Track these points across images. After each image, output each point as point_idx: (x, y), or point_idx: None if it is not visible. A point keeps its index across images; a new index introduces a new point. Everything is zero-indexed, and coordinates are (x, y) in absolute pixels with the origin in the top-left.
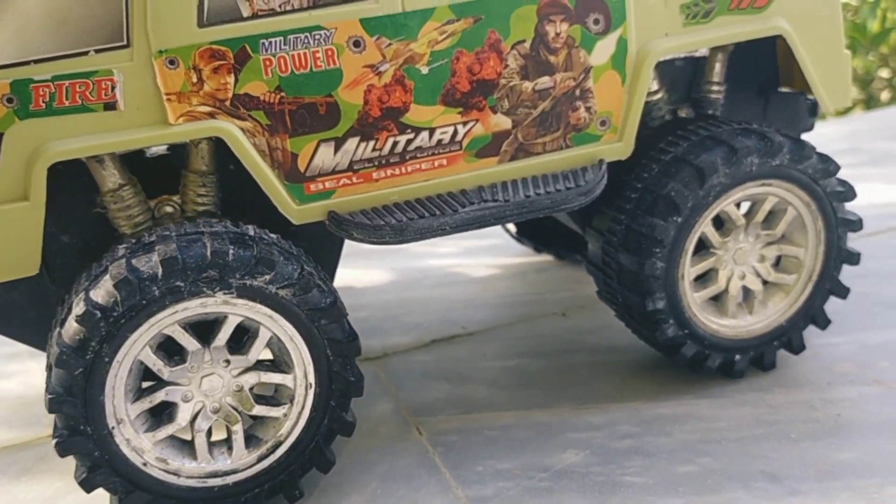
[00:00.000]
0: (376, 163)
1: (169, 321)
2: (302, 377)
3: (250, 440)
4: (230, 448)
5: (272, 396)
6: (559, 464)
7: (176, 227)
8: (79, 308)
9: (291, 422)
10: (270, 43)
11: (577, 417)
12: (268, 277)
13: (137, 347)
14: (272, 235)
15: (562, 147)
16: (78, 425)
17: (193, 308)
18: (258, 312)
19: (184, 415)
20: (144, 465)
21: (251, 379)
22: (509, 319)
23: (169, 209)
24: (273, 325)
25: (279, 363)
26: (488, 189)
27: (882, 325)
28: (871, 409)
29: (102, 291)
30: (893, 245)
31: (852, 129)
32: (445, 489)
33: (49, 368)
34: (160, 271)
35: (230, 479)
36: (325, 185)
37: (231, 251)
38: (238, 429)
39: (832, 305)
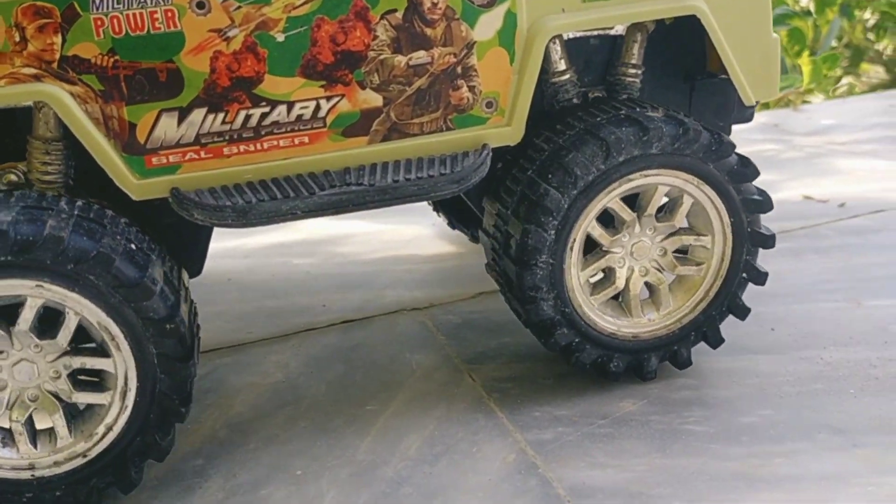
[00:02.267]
0: (227, 137)
1: None
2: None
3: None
4: (52, 437)
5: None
6: (618, 412)
7: None
8: None
9: (116, 410)
10: (102, 1)
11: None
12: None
13: None
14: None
15: (441, 129)
16: None
17: None
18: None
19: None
20: None
21: (66, 365)
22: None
23: (13, 177)
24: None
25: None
26: (354, 171)
27: None
28: None
29: None
30: None
31: (890, 104)
32: (504, 433)
33: None
34: None
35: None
36: (169, 160)
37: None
38: (58, 417)
39: (885, 270)
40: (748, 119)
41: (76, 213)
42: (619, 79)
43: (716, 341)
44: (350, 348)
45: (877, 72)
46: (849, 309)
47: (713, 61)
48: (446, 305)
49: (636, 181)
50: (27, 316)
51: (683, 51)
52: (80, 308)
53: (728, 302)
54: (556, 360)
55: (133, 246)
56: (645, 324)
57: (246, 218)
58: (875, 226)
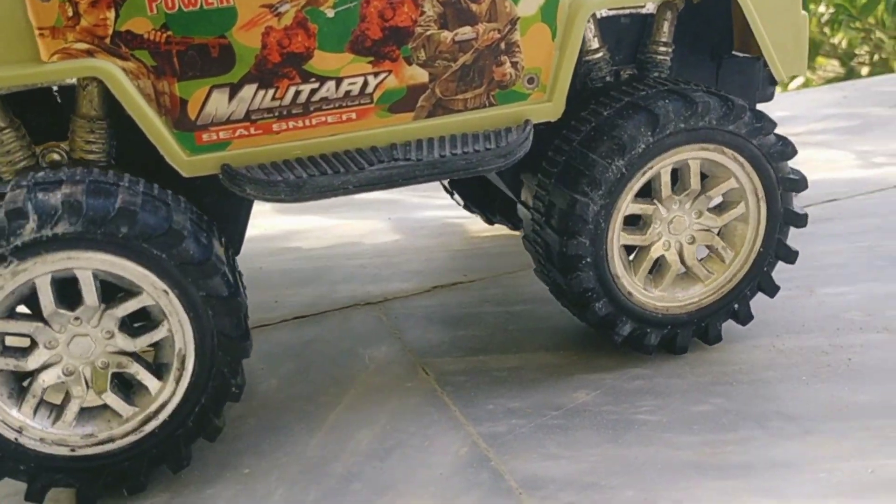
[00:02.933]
0: (277, 113)
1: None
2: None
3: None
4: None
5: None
6: (571, 403)
7: None
8: None
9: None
10: None
11: (586, 360)
12: (32, 226)
13: None
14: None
15: (485, 105)
16: None
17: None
18: (54, 261)
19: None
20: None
21: (112, 321)
22: (512, 268)
23: (56, 156)
24: (80, 262)
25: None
26: (401, 147)
27: (888, 277)
28: (881, 355)
29: None
30: (892, 202)
31: (843, 95)
32: (457, 426)
33: None
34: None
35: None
36: (220, 136)
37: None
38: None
39: (837, 258)
40: (769, 98)
41: (142, 189)
42: (650, 56)
43: (746, 317)
44: (302, 344)
45: (832, 65)
46: (802, 297)
47: (740, 40)
48: (401, 300)
49: (681, 155)
50: (87, 289)
51: (710, 29)
52: (116, 269)
53: (759, 279)
54: (510, 352)
55: (197, 224)
56: (679, 299)
57: (299, 192)
58: (827, 214)
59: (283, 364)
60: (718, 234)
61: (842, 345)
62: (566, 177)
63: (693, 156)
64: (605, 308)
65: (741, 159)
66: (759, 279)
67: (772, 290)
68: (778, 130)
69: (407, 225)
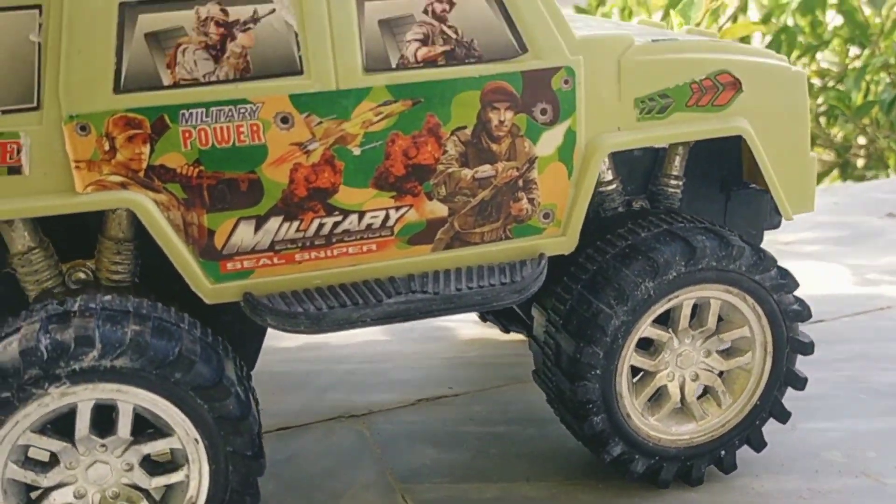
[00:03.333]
0: (300, 244)
1: (17, 434)
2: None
3: None
4: None
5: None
6: None
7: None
8: None
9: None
10: (191, 114)
11: (566, 494)
12: (94, 354)
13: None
14: (111, 300)
15: (501, 238)
16: None
17: (36, 412)
18: (104, 391)
19: None
20: None
21: (135, 455)
22: (496, 381)
23: (82, 275)
24: (126, 397)
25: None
26: (419, 279)
27: (869, 412)
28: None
29: None
30: (879, 326)
31: (834, 201)
32: None
33: None
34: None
35: None
36: (243, 265)
37: (44, 343)
38: None
39: (819, 388)
40: (777, 225)
41: (199, 335)
42: (661, 189)
43: (759, 445)
44: (285, 460)
45: (828, 155)
46: (783, 431)
47: (749, 172)
48: (385, 412)
49: (706, 292)
50: (123, 421)
51: (720, 162)
52: (157, 409)
53: (770, 406)
54: (491, 480)
55: (239, 376)
56: (672, 432)
57: (319, 325)
58: (813, 337)
59: (265, 484)
60: (720, 377)
61: (820, 490)
62: (594, 285)
63: (717, 295)
64: (602, 424)
65: (759, 310)
66: (749, 431)
67: (759, 445)
68: (767, 238)
69: (397, 327)
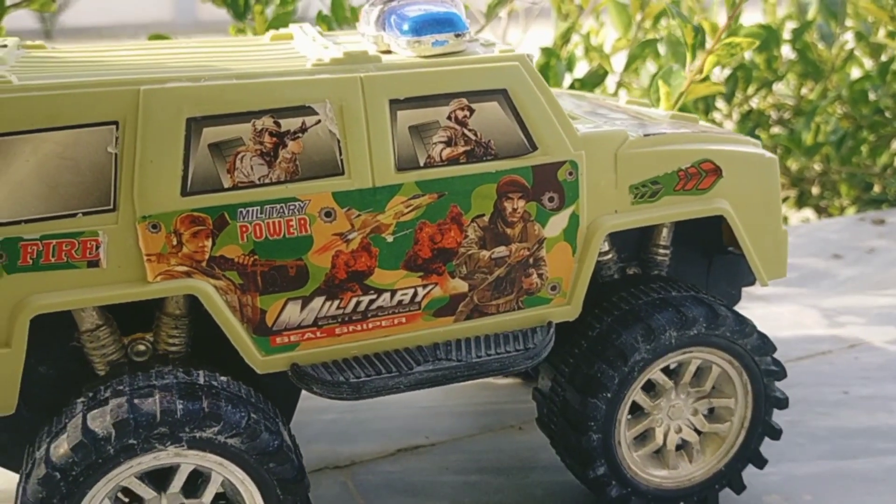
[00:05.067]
0: (339, 319)
1: (125, 475)
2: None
3: None
4: None
5: None
6: None
7: (130, 379)
8: (39, 470)
9: None
10: (248, 211)
11: None
12: (217, 429)
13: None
14: (221, 380)
15: (514, 308)
16: None
17: (147, 462)
18: (208, 461)
19: None
20: None
21: None
22: (470, 431)
23: (142, 347)
24: (223, 470)
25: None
26: (443, 347)
27: (807, 456)
28: None
29: (60, 452)
30: (819, 371)
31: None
32: None
33: None
34: (113, 433)
35: None
36: (290, 339)
37: (180, 406)
38: None
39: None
40: (752, 283)
41: (260, 405)
42: (651, 257)
43: (739, 488)
44: None
45: (784, 182)
46: None
47: (728, 238)
48: (367, 463)
49: (676, 357)
50: (179, 480)
51: (703, 232)
52: (224, 471)
53: (748, 454)
54: None
55: (270, 416)
56: (679, 475)
57: (359, 392)
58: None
59: None
60: (699, 437)
61: None
62: (577, 378)
63: (719, 361)
64: (602, 468)
65: (741, 370)
66: (748, 454)
67: (759, 461)
68: None
69: None
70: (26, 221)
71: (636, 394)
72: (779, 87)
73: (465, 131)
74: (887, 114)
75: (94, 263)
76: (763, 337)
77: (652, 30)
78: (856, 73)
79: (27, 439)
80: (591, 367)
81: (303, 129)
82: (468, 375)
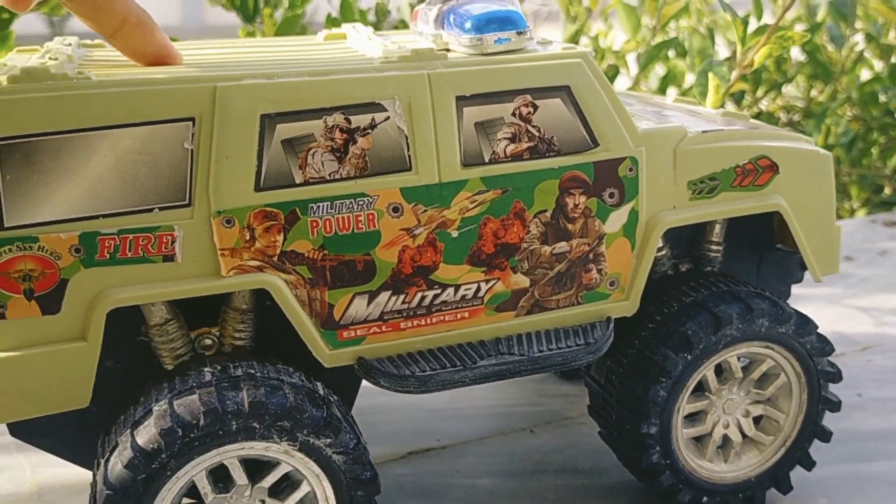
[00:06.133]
0: (404, 314)
1: (232, 455)
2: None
3: None
4: None
5: None
6: None
7: (260, 367)
8: (124, 454)
9: None
10: (318, 207)
11: None
12: (329, 441)
13: (181, 482)
14: (335, 398)
15: (573, 303)
16: None
17: (258, 449)
18: (309, 468)
19: None
20: None
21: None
22: (481, 433)
23: (208, 342)
24: (316, 482)
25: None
26: (505, 342)
27: (821, 459)
28: None
29: (186, 416)
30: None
31: None
32: None
33: (93, 500)
34: (246, 410)
35: None
36: (357, 333)
37: (307, 409)
38: None
39: None
40: (799, 280)
41: (336, 402)
42: (704, 253)
43: (786, 488)
44: None
45: None
46: None
47: (779, 235)
48: (378, 466)
49: (738, 351)
50: (274, 477)
51: (754, 228)
52: (316, 483)
53: (798, 454)
54: None
55: (340, 411)
56: (731, 470)
57: (426, 386)
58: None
59: None
60: (757, 426)
61: None
62: (639, 364)
63: (767, 353)
64: (657, 457)
65: (799, 370)
66: (798, 454)
67: (809, 463)
68: None
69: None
70: (104, 216)
71: (709, 369)
72: (788, 89)
73: (529, 128)
74: None
75: (169, 258)
76: (823, 338)
77: (661, 32)
78: (866, 74)
79: (93, 434)
80: (654, 353)
81: (372, 126)
82: (531, 370)
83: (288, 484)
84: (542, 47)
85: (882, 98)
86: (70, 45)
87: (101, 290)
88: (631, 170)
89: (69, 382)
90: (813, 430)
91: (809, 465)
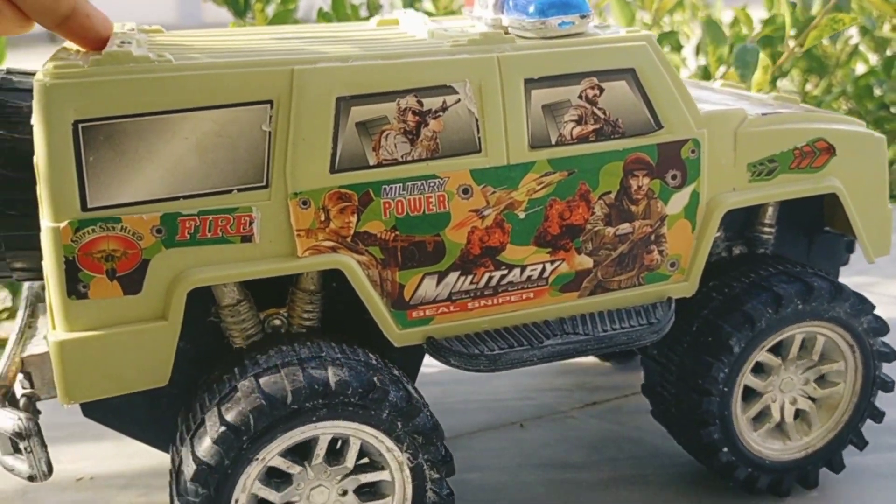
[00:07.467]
0: (472, 294)
1: (333, 430)
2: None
3: None
4: None
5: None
6: None
7: (363, 353)
8: (213, 429)
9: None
10: (391, 188)
11: None
12: (408, 423)
13: (265, 461)
14: (408, 378)
15: (635, 284)
16: None
17: (353, 428)
18: (389, 451)
19: None
20: None
21: (352, 483)
22: (471, 427)
23: (277, 322)
24: (394, 464)
25: (374, 463)
26: (569, 321)
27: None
28: None
29: (235, 413)
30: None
31: None
32: None
33: (177, 476)
34: (360, 389)
35: None
36: (426, 313)
37: (390, 389)
38: None
39: None
40: (845, 263)
41: (389, 368)
42: (756, 235)
43: (839, 467)
44: None
45: None
46: None
47: (829, 218)
48: None
49: (797, 330)
50: (352, 452)
51: (805, 211)
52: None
53: (850, 433)
54: None
55: (415, 392)
56: (786, 449)
57: (496, 365)
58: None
59: None
60: (813, 404)
61: None
62: (700, 342)
63: (824, 332)
64: (716, 433)
65: (855, 349)
66: (851, 433)
67: (861, 443)
68: None
69: None
70: (185, 197)
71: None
72: (783, 82)
73: (595, 110)
74: (892, 109)
75: (247, 238)
76: (879, 318)
77: (655, 26)
78: (861, 68)
79: (163, 414)
80: (716, 330)
81: (443, 108)
82: (597, 349)
83: (367, 464)
84: (601, 31)
85: (877, 92)
86: (133, 30)
87: (181, 270)
88: (693, 152)
89: (150, 362)
90: (866, 409)
91: (862, 444)
